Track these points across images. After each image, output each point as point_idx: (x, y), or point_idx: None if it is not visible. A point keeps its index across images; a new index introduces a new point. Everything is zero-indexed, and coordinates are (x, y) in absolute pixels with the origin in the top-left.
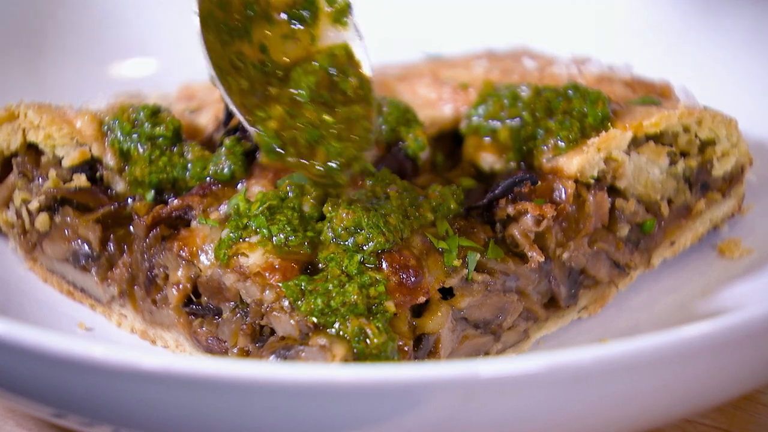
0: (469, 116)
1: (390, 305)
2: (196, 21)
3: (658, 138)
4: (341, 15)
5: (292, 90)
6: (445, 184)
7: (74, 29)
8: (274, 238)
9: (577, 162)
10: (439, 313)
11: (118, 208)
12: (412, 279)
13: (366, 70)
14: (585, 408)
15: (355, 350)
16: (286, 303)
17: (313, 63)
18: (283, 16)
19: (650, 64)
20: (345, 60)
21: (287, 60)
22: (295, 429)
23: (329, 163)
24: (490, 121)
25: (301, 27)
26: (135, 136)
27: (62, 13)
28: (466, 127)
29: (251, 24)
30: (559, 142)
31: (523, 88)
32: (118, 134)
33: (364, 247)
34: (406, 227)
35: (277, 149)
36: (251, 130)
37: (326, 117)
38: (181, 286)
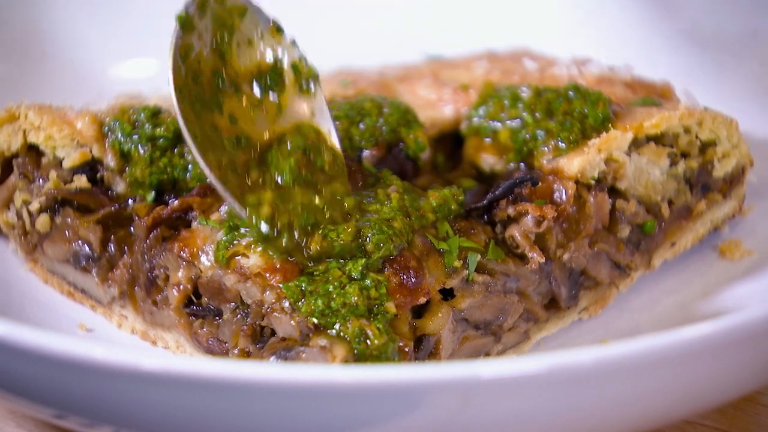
0: (470, 117)
1: (390, 306)
2: (172, 93)
3: (658, 139)
4: (307, 83)
5: (274, 173)
6: (446, 185)
7: (75, 30)
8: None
9: (577, 163)
10: (440, 314)
11: (119, 209)
12: (413, 280)
13: (335, 142)
14: (586, 409)
15: (355, 351)
16: (287, 304)
17: (286, 144)
18: (252, 86)
19: (651, 64)
20: (315, 136)
21: (258, 135)
22: (296, 430)
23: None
24: (490, 122)
25: (270, 96)
26: (135, 137)
27: (62, 14)
28: (467, 128)
29: (221, 95)
30: (559, 143)
31: (524, 89)
32: (119, 135)
33: (372, 254)
34: (408, 229)
35: (270, 236)
36: (242, 215)
37: (316, 199)
38: (181, 286)
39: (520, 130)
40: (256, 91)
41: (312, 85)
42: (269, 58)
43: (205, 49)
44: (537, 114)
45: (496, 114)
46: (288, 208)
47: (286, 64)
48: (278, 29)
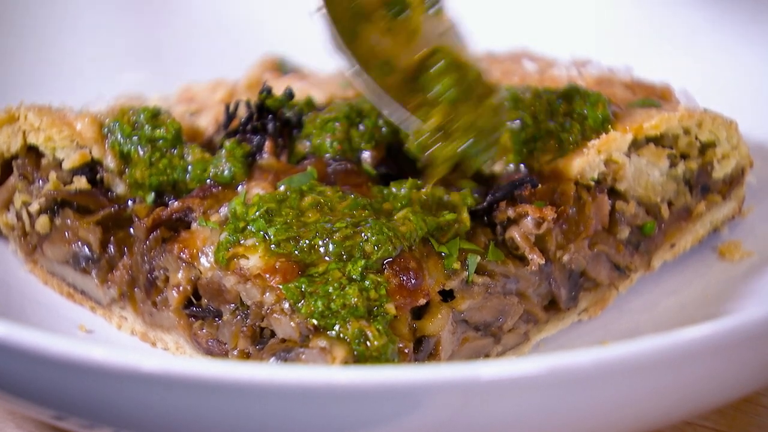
0: None
1: (390, 307)
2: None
3: (658, 140)
4: (433, 4)
5: (433, 92)
6: (446, 187)
7: (75, 32)
8: (272, 238)
9: (577, 164)
10: (440, 316)
11: (119, 210)
12: (413, 281)
13: (473, 58)
14: (585, 410)
15: (355, 352)
16: (287, 305)
17: (434, 66)
18: (381, 12)
19: (650, 66)
20: (457, 56)
21: (402, 59)
22: (296, 431)
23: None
24: None
25: (400, 19)
26: (135, 138)
27: (63, 16)
28: None
29: (357, 24)
30: (559, 144)
31: (524, 90)
32: (119, 136)
33: (371, 255)
34: (418, 233)
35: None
36: (409, 123)
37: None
38: (181, 288)
39: (519, 132)
40: (386, 16)
41: (438, 4)
42: None
43: None
44: (537, 115)
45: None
46: (458, 122)
47: None
48: None
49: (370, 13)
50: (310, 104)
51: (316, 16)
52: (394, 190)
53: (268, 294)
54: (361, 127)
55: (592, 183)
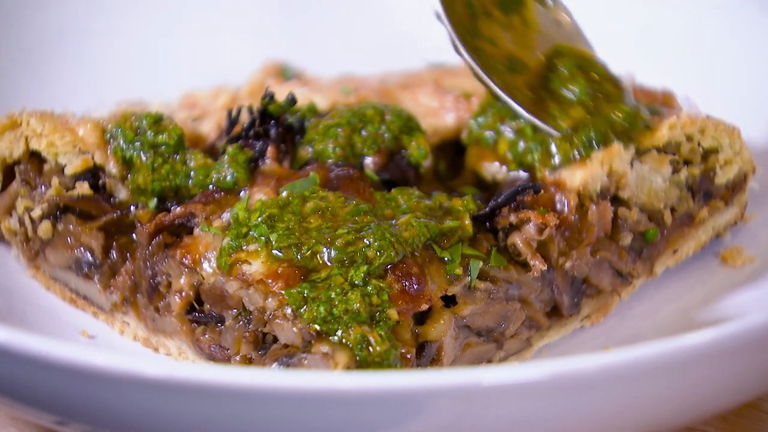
0: (469, 127)
1: (392, 313)
2: (449, 29)
3: (661, 147)
4: None
5: (564, 92)
6: (449, 193)
7: (77, 37)
8: (274, 244)
9: (580, 176)
10: (442, 321)
11: (121, 215)
12: (415, 287)
13: (592, 50)
14: (587, 416)
15: (357, 358)
16: (289, 310)
17: (561, 66)
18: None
19: (653, 72)
20: (580, 53)
21: (525, 55)
22: None
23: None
24: (488, 131)
25: (516, 16)
26: (138, 144)
27: (65, 21)
28: (467, 137)
29: (476, 21)
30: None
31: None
32: (121, 142)
33: (373, 260)
34: (421, 238)
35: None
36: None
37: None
38: (183, 293)
39: (517, 142)
40: (500, 12)
41: None
42: None
43: None
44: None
45: (494, 124)
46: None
47: None
48: None
49: (488, 11)
50: (312, 110)
51: (437, 19)
52: (401, 201)
53: (270, 299)
54: (364, 133)
55: (595, 195)
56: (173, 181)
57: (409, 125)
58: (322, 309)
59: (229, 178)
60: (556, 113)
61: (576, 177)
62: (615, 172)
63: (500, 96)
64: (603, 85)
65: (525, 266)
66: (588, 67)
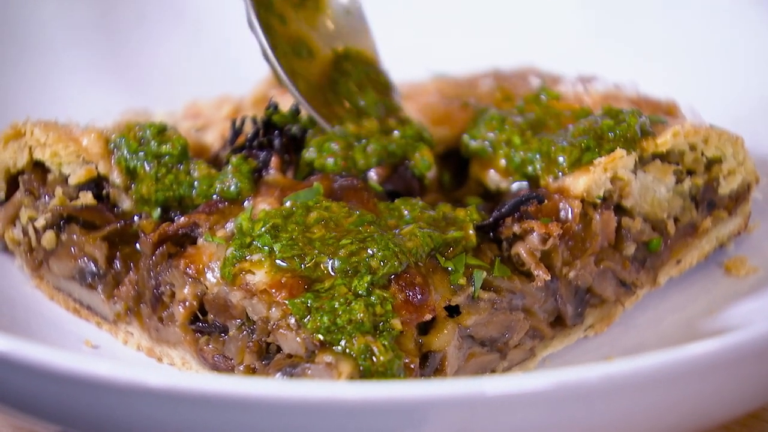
0: (464, 142)
1: (396, 323)
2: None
3: (664, 156)
4: None
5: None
6: (453, 203)
7: (81, 47)
8: (278, 254)
9: (583, 182)
10: (446, 331)
11: (125, 225)
12: (419, 297)
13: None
14: (591, 426)
15: (361, 368)
16: (293, 320)
17: (350, 73)
18: None
19: (656, 82)
20: (366, 58)
21: (314, 44)
22: None
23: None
24: (485, 142)
25: None
26: (141, 154)
27: (70, 31)
28: (465, 151)
29: None
30: (559, 158)
31: (513, 111)
32: (125, 152)
33: (377, 270)
34: (425, 249)
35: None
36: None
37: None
38: (187, 303)
39: (515, 152)
40: None
41: None
42: None
43: None
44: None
45: (486, 135)
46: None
47: None
48: None
49: None
50: (312, 120)
51: None
52: (405, 212)
53: (274, 309)
54: (369, 148)
55: (598, 201)
56: (177, 191)
57: (423, 136)
58: (325, 319)
59: (232, 188)
60: (342, 114)
61: (579, 183)
62: (619, 179)
63: (283, 79)
64: (387, 99)
65: (529, 276)
66: (375, 76)
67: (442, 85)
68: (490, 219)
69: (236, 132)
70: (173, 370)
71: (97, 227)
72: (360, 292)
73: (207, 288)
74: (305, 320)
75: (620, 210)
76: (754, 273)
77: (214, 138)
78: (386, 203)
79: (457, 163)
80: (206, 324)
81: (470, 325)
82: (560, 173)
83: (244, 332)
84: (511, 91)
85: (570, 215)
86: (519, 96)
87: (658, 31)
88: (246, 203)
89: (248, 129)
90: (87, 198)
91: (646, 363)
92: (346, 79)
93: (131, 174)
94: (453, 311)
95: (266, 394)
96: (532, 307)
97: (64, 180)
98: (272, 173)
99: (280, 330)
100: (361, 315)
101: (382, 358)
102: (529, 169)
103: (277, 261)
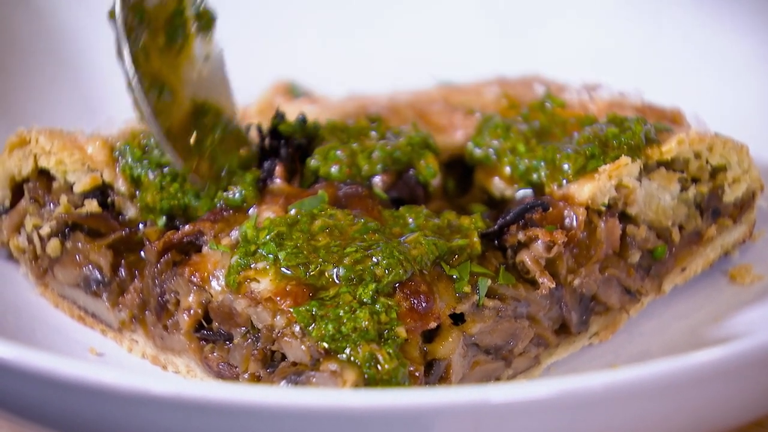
0: (468, 150)
1: (401, 331)
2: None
3: (669, 164)
4: (206, 28)
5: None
6: (457, 211)
7: (85, 54)
8: (283, 262)
9: (588, 189)
10: (450, 339)
11: (130, 233)
12: (423, 305)
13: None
14: None
15: (365, 376)
16: (297, 328)
17: (210, 124)
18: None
19: (661, 90)
20: (221, 113)
21: (175, 85)
22: None
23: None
24: (489, 150)
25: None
26: (146, 162)
27: (74, 38)
28: (469, 159)
29: (141, 31)
30: (564, 166)
31: (518, 119)
32: (129, 160)
33: (382, 278)
34: (430, 257)
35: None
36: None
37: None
38: (192, 311)
39: (520, 160)
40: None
41: (210, 30)
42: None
43: None
44: (530, 141)
45: (491, 144)
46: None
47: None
48: None
49: (156, 29)
50: (316, 128)
51: (108, 19)
52: (410, 220)
53: (278, 317)
54: (374, 155)
55: (603, 208)
56: (182, 199)
57: (427, 143)
58: (330, 327)
59: (237, 196)
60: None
61: (584, 191)
62: (623, 187)
63: (145, 113)
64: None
65: (533, 284)
66: (235, 133)
67: (447, 93)
68: (495, 227)
69: None
70: (178, 378)
71: (102, 235)
72: (365, 300)
73: (212, 296)
74: (310, 328)
75: (625, 217)
76: (759, 281)
77: None
78: (391, 211)
79: (461, 171)
80: (211, 332)
81: (475, 332)
82: (565, 181)
83: (249, 340)
84: (516, 98)
85: (575, 223)
86: (524, 104)
87: (663, 39)
88: (251, 211)
89: (253, 136)
90: (92, 206)
91: (651, 371)
92: (210, 136)
93: (136, 182)
94: (458, 319)
95: (271, 402)
96: (537, 315)
97: (69, 188)
98: (277, 183)
99: (285, 338)
100: (366, 323)
101: (386, 366)
102: (534, 176)
103: (282, 269)
